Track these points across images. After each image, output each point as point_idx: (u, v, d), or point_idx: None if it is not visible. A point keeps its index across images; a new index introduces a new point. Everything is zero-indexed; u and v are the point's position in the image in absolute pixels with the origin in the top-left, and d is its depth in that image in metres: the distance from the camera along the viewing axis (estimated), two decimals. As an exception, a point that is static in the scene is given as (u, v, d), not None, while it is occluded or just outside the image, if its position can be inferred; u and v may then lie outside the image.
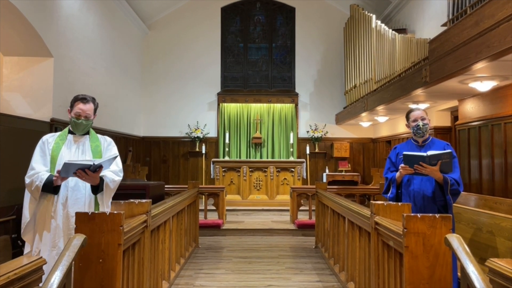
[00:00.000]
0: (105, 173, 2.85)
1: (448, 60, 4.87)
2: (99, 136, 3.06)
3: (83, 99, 2.91)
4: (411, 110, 3.38)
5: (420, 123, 3.24)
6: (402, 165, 3.08)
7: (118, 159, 3.02)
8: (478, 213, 4.07)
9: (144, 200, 2.97)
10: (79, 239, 1.93)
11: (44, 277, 1.75)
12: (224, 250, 5.77)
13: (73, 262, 1.85)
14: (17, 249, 4.51)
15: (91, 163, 2.64)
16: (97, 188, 2.80)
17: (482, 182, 5.99)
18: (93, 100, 2.98)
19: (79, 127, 2.90)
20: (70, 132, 2.96)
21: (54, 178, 2.69)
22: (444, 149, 3.14)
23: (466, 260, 1.72)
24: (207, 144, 11.51)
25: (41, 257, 1.82)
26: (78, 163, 2.64)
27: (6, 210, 4.71)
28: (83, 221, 2.18)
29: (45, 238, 2.73)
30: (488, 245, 3.76)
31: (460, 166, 6.54)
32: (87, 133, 3.00)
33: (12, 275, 1.57)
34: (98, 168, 2.67)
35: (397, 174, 3.23)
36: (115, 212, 2.24)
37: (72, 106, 2.91)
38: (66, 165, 2.61)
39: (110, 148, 3.03)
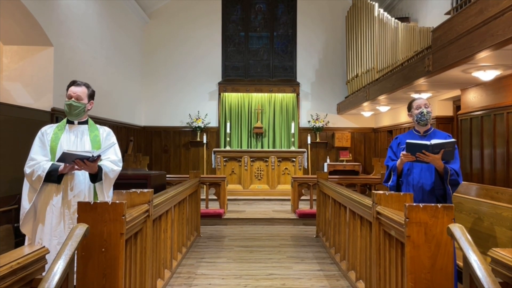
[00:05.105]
0: (103, 162, 2.84)
1: (452, 49, 4.82)
2: (98, 126, 3.04)
3: (75, 82, 2.93)
4: (414, 99, 3.35)
5: (424, 110, 3.19)
6: (404, 152, 3.06)
7: (118, 150, 3.01)
8: (480, 203, 4.07)
9: (145, 190, 2.97)
10: (81, 228, 1.93)
11: (47, 267, 1.75)
12: (225, 239, 5.80)
13: (76, 252, 1.85)
14: (19, 238, 4.53)
15: (90, 155, 2.63)
16: (95, 177, 2.80)
17: (483, 172, 5.98)
18: (86, 85, 2.97)
19: (70, 109, 2.87)
20: (68, 122, 2.95)
21: (61, 168, 2.69)
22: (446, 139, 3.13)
23: (468, 250, 1.72)
24: (208, 133, 11.49)
25: (44, 246, 1.82)
26: (77, 154, 2.63)
27: (8, 199, 4.73)
28: (85, 210, 2.18)
29: (46, 228, 2.74)
30: (489, 235, 3.77)
31: (462, 156, 6.55)
32: (86, 122, 2.98)
33: (15, 265, 1.58)
34: (97, 157, 2.67)
35: (398, 161, 3.21)
36: (117, 201, 2.24)
37: (67, 92, 2.92)
38: (65, 155, 2.60)
39: (109, 138, 3.02)
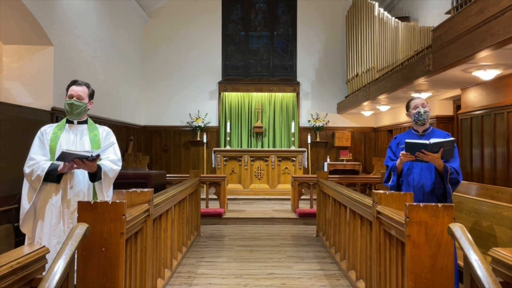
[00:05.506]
0: (103, 161, 2.84)
1: (452, 49, 4.82)
2: (97, 125, 3.05)
3: (75, 81, 2.95)
4: (411, 99, 3.36)
5: (421, 109, 3.20)
6: (403, 152, 3.06)
7: (117, 149, 3.01)
8: (480, 202, 4.07)
9: (146, 189, 2.97)
10: (82, 228, 1.93)
11: (47, 266, 1.75)
12: (225, 239, 5.80)
13: (76, 251, 1.85)
14: (19, 237, 4.53)
15: (89, 155, 2.63)
16: (94, 175, 2.80)
17: (483, 171, 5.98)
18: (87, 84, 2.98)
19: (72, 108, 2.88)
20: (68, 122, 2.95)
21: (60, 168, 2.69)
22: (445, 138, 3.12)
23: (469, 249, 1.72)
24: (208, 133, 11.49)
25: (44, 246, 1.82)
26: (76, 153, 2.63)
27: (8, 199, 4.73)
28: (86, 210, 2.18)
29: (45, 227, 2.74)
30: (490, 234, 3.77)
31: (462, 155, 6.55)
32: (85, 122, 2.98)
33: (15, 264, 1.57)
34: (95, 157, 2.67)
35: (398, 161, 3.21)
36: (117, 201, 2.24)
37: (67, 92, 2.92)
38: (64, 154, 2.60)
39: (108, 137, 3.02)
